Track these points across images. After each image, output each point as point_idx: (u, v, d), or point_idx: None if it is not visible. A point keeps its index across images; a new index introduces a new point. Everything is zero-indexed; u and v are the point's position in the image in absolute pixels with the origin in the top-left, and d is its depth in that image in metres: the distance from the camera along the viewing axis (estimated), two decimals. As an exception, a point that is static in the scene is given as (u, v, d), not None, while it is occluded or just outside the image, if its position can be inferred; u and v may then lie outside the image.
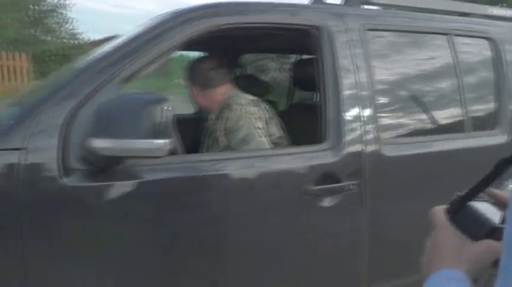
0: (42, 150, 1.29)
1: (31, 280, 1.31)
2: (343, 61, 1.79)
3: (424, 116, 2.01)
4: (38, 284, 1.33)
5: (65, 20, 21.68)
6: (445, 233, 0.59)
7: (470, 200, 0.61)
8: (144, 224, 1.44)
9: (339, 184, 1.65)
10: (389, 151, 1.77)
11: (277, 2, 1.83)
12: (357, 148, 1.71)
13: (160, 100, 1.21)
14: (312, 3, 2.01)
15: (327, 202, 1.65)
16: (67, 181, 1.31)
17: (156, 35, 1.49)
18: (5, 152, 1.27)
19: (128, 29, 1.90)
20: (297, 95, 3.14)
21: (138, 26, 1.94)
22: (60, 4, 21.32)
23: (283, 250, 1.64)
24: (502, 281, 0.40)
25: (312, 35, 1.80)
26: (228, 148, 1.84)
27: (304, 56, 2.74)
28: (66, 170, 1.32)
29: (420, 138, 1.94)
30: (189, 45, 1.65)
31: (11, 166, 1.26)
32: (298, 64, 2.51)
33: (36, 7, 21.23)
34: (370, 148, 1.73)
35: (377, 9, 2.23)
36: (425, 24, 2.10)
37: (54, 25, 21.49)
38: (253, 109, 1.89)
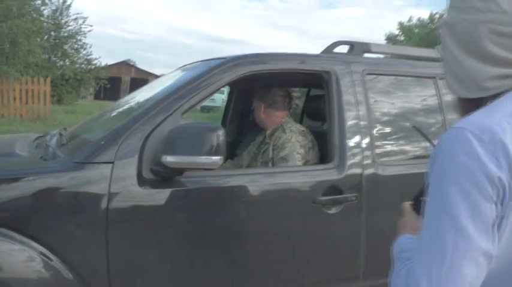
0: (126, 164, 1.77)
1: (112, 263, 1.75)
2: (347, 97, 2.27)
3: (412, 143, 2.48)
4: (117, 266, 1.77)
5: (82, 46, 22.59)
6: (409, 216, 1.06)
7: (423, 196, 1.09)
8: (195, 220, 1.90)
9: (342, 196, 2.11)
10: (383, 171, 2.23)
11: (297, 52, 2.35)
12: (357, 167, 2.17)
13: (216, 128, 1.71)
14: (323, 53, 2.52)
15: (332, 210, 2.10)
16: (141, 188, 1.79)
17: (207, 78, 2.00)
18: (101, 164, 1.75)
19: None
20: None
21: (185, 67, 2.46)
22: (78, 31, 22.23)
23: (296, 247, 2.09)
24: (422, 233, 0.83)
25: (323, 77, 2.30)
26: (271, 160, 2.36)
27: (313, 90, 3.25)
28: (141, 180, 1.79)
29: (408, 161, 2.40)
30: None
31: (104, 175, 1.74)
32: (309, 100, 3.00)
33: (55, 33, 22.12)
34: (368, 168, 2.19)
35: (376, 57, 2.73)
36: (414, 70, 2.59)
37: (72, 51, 22.38)
38: (300, 138, 2.41)
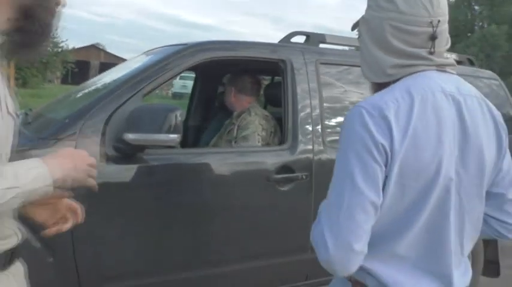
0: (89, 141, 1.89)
1: (76, 236, 1.87)
2: (301, 85, 2.44)
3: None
4: (82, 239, 1.88)
5: (49, 28, 21.94)
6: None
7: None
8: (154, 194, 2.05)
9: (294, 174, 2.30)
10: (331, 153, 2.42)
11: (255, 41, 2.51)
12: (308, 149, 2.36)
13: (175, 108, 1.85)
14: (280, 42, 2.68)
15: (285, 187, 2.29)
16: (104, 164, 1.91)
17: (169, 62, 2.13)
18: (65, 141, 1.86)
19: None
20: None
21: (150, 52, 2.58)
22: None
23: (252, 221, 2.27)
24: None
25: (279, 66, 2.46)
26: (234, 138, 2.53)
27: (276, 78, 3.42)
28: (104, 156, 1.91)
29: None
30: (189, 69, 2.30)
31: (68, 150, 1.85)
32: (269, 87, 3.17)
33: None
34: (318, 150, 2.39)
35: (331, 48, 2.90)
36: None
37: (37, 33, 21.69)
38: (264, 122, 2.59)
